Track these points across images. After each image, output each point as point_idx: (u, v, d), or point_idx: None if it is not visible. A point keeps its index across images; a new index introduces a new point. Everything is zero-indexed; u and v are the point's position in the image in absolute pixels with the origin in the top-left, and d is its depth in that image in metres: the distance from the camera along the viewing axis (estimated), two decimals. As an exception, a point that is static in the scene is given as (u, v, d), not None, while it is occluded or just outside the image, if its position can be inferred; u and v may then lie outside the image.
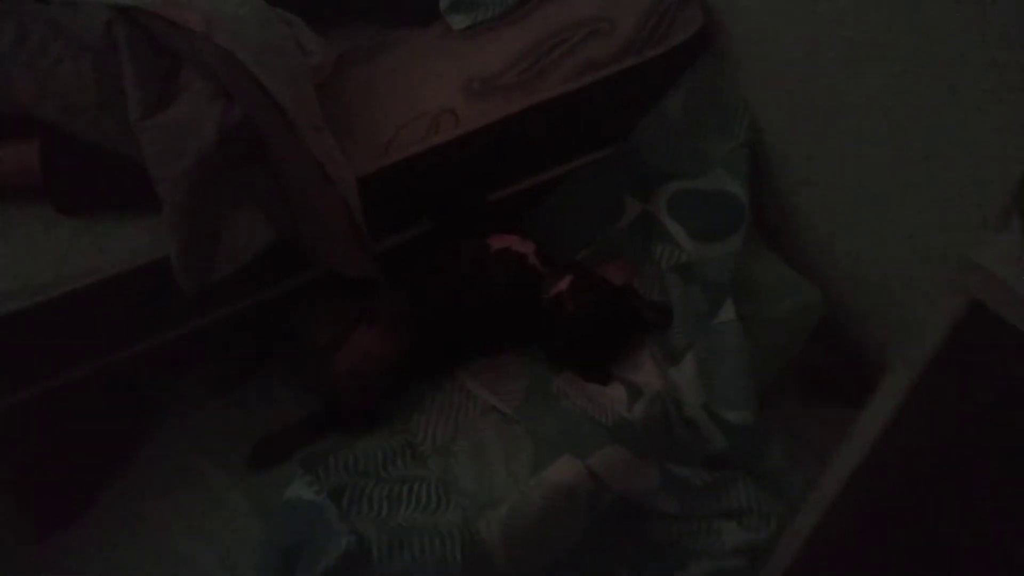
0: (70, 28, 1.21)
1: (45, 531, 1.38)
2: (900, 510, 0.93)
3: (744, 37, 1.59)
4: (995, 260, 0.65)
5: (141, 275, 1.29)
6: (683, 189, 1.64)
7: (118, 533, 1.38)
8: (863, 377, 0.94)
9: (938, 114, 1.23)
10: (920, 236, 1.36)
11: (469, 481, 1.32)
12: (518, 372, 1.46)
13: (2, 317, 1.22)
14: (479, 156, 1.50)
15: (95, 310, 1.28)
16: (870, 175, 1.41)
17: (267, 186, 1.30)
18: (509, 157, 1.55)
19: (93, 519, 1.40)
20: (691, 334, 1.47)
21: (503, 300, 1.45)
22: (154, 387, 1.51)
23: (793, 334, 1.59)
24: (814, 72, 1.43)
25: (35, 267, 1.26)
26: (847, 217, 1.52)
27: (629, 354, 1.47)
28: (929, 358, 0.73)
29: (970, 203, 1.20)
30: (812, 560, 1.00)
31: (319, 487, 1.29)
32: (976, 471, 0.86)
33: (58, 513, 1.40)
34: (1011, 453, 0.82)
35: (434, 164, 1.46)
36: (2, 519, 1.40)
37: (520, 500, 1.27)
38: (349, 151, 1.38)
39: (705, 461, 1.43)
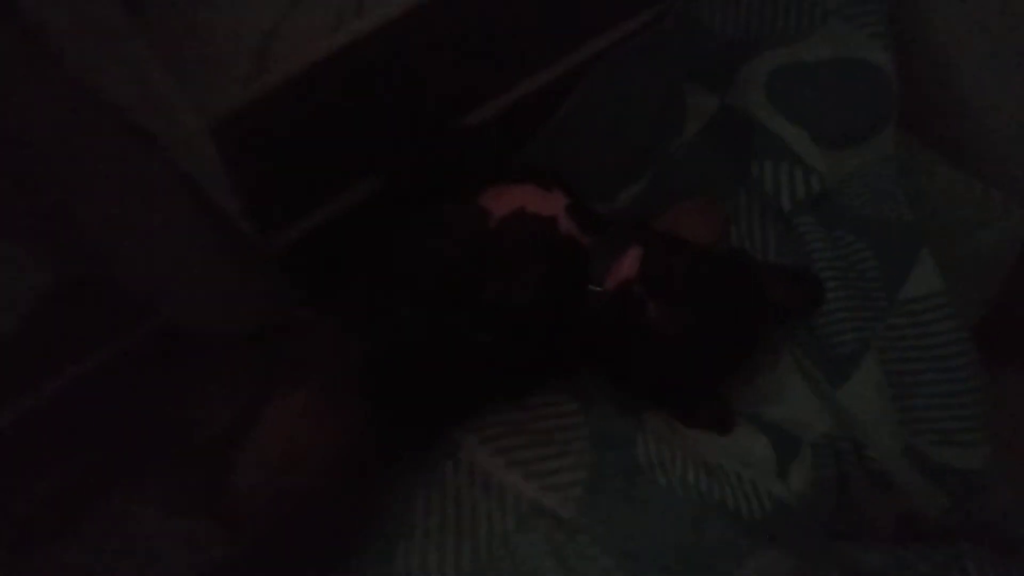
0: None
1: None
2: None
3: None
4: None
5: None
6: (785, 64, 0.97)
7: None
8: None
9: None
10: None
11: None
12: (568, 432, 0.82)
13: None
14: (428, 54, 0.81)
15: None
16: None
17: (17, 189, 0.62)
18: (478, 48, 0.87)
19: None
20: (863, 324, 0.84)
21: (527, 305, 0.80)
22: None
23: (983, 278, 0.97)
24: None
25: None
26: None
27: (762, 372, 0.84)
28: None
29: None
30: None
31: None
32: None
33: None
34: None
35: (354, 78, 0.77)
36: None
37: None
38: (189, 77, 0.69)
39: (910, 534, 0.82)
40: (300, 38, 0.74)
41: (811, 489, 0.77)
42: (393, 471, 0.81)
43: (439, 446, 0.81)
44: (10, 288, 0.63)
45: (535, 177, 0.85)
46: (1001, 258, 0.97)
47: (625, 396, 0.83)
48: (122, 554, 0.80)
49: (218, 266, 0.71)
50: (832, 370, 0.82)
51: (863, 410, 0.80)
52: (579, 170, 0.95)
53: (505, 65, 0.89)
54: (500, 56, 0.87)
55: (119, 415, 0.78)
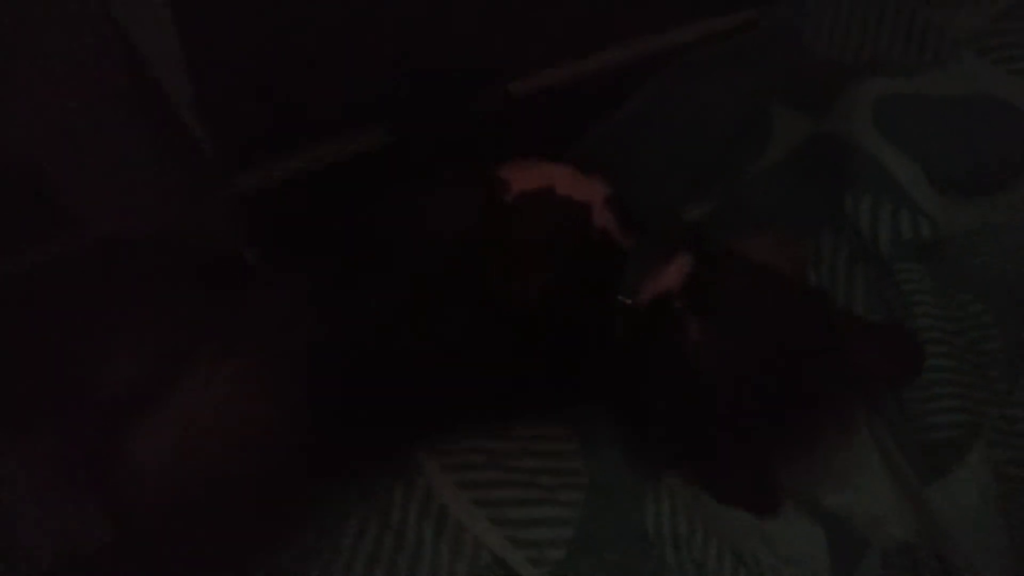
0: None
1: None
2: None
3: None
4: None
5: None
6: (901, 94, 0.80)
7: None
8: None
9: None
10: None
11: None
12: (559, 476, 0.63)
13: None
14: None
15: None
16: None
17: None
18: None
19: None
20: (972, 406, 0.63)
21: (534, 308, 0.63)
22: None
23: None
24: None
25: None
26: None
27: (828, 445, 0.64)
28: None
29: None
30: None
31: None
32: None
33: None
34: None
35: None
36: None
37: None
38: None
39: None
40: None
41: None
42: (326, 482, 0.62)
43: (393, 463, 0.63)
44: None
45: (572, 160, 0.69)
46: None
47: (641, 444, 0.64)
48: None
49: (161, 176, 0.56)
50: (924, 460, 0.61)
51: (960, 517, 0.59)
52: (634, 181, 0.79)
53: (555, 32, 0.74)
54: (549, 18, 0.72)
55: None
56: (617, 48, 0.79)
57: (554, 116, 0.77)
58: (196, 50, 0.51)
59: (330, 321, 0.63)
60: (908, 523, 0.60)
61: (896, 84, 0.80)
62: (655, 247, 0.64)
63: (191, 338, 0.63)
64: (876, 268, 0.71)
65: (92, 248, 0.61)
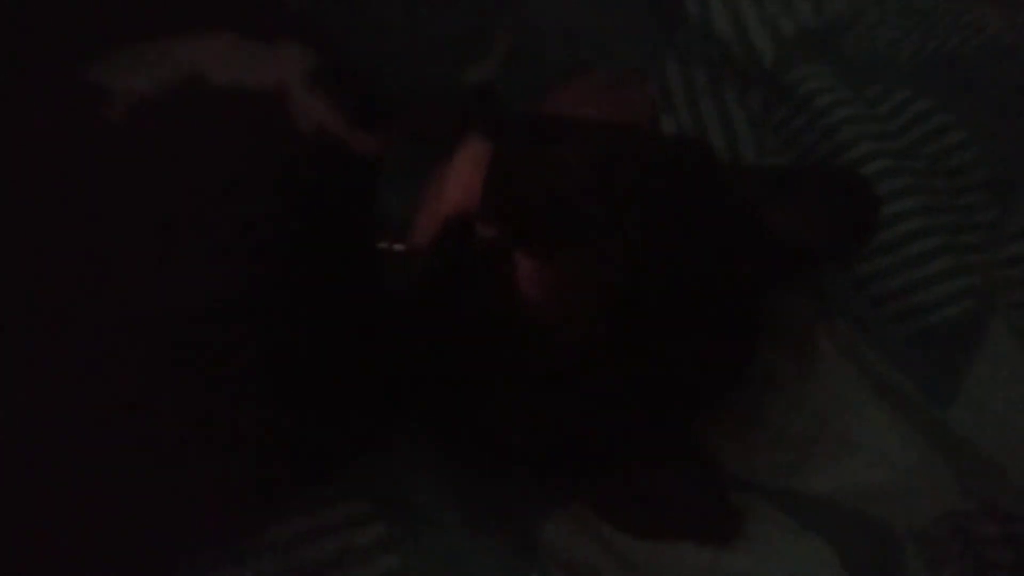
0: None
1: None
2: None
3: None
4: None
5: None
6: None
7: None
8: None
9: None
10: None
11: None
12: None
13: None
14: None
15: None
16: None
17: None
18: None
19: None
20: (967, 259, 0.40)
21: (210, 297, 0.32)
22: None
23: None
24: None
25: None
26: None
27: (785, 395, 0.39)
28: None
29: None
30: None
31: None
32: None
33: None
34: None
35: None
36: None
37: None
38: None
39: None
40: None
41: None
42: None
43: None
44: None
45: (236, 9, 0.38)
46: None
47: (501, 487, 0.37)
48: None
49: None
50: (929, 366, 0.38)
51: (1000, 435, 0.37)
52: (380, 51, 0.49)
53: None
54: None
55: None
56: None
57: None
58: None
59: None
60: (947, 483, 0.37)
61: None
62: (421, 143, 0.36)
63: None
64: (759, 91, 0.46)
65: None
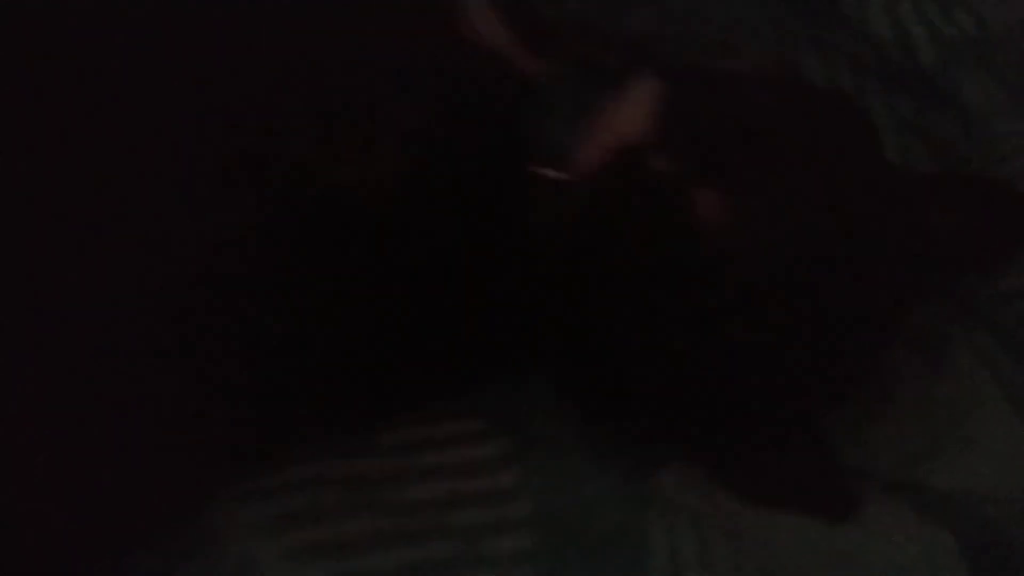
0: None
1: None
2: None
3: None
4: None
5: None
6: None
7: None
8: None
9: None
10: None
11: None
12: (489, 508, 0.33)
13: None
14: None
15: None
16: None
17: None
18: None
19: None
20: None
21: (394, 201, 0.31)
22: None
23: None
24: None
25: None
26: None
27: (918, 389, 0.38)
28: None
29: None
30: None
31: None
32: None
33: None
34: None
35: None
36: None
37: None
38: None
39: None
40: None
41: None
42: None
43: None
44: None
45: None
46: None
47: (614, 430, 0.35)
48: None
49: None
50: None
51: None
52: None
53: None
54: None
55: None
56: None
57: None
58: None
59: None
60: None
61: None
62: (592, 70, 0.35)
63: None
64: (909, 95, 0.45)
65: None
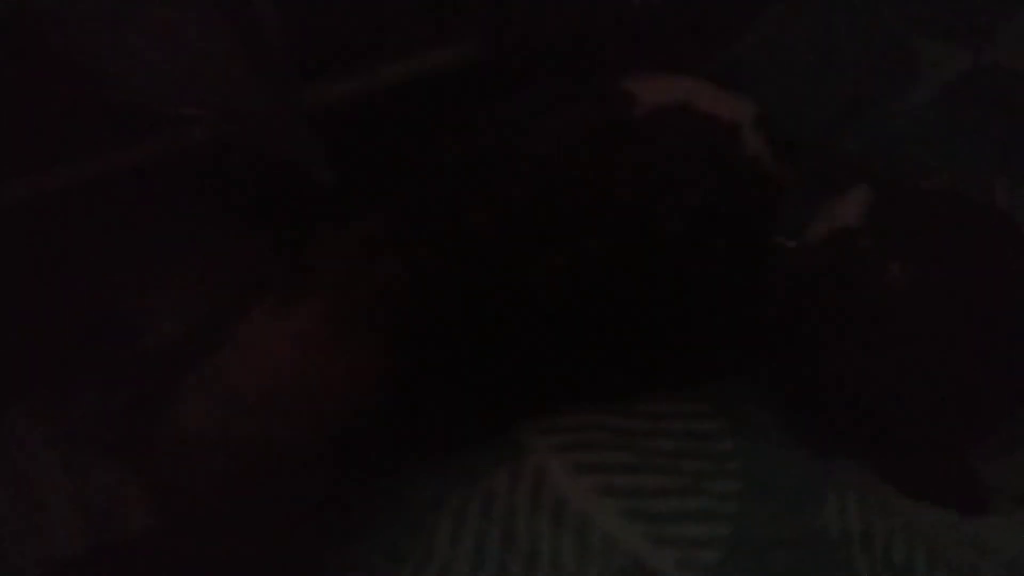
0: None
1: None
2: None
3: None
4: None
5: None
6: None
7: None
8: None
9: None
10: None
11: None
12: (703, 460, 0.51)
13: None
14: None
15: None
16: None
17: None
18: None
19: None
20: None
21: (674, 241, 0.50)
22: None
23: None
24: None
25: None
26: None
27: None
28: None
29: None
30: None
31: None
32: None
33: None
34: None
35: None
36: None
37: None
38: None
39: None
40: None
41: None
42: (412, 465, 0.50)
43: (492, 444, 0.51)
44: None
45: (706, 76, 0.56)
46: None
47: (809, 426, 0.51)
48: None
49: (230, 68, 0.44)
50: None
51: None
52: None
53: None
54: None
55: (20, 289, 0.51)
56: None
57: (672, 31, 0.64)
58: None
59: (417, 262, 0.50)
60: None
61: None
62: (821, 177, 0.52)
63: (249, 281, 0.51)
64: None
65: (150, 159, 0.49)
